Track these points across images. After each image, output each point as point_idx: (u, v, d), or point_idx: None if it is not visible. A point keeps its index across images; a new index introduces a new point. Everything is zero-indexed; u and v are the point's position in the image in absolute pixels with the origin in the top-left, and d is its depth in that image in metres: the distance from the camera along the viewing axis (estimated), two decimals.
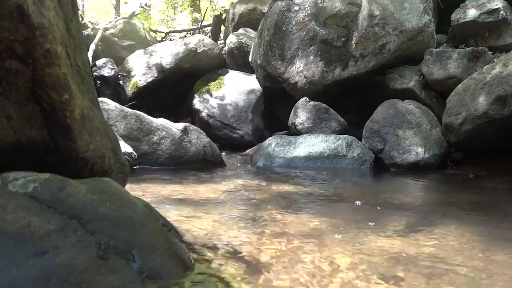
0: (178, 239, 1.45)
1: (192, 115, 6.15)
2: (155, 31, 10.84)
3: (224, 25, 8.58)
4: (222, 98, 5.90)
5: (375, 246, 1.61)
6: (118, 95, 6.35)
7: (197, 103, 5.97)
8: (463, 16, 5.03)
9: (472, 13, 4.99)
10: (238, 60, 6.63)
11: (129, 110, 3.93)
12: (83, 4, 16.54)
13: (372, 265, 1.40)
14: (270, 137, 4.65)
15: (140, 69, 6.50)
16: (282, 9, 5.28)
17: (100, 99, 3.29)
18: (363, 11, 4.93)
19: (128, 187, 1.65)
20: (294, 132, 4.88)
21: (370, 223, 2.00)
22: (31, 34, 1.04)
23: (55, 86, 1.12)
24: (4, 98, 1.10)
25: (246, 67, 6.37)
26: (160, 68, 6.43)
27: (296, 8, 5.21)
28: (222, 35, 8.77)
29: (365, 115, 4.52)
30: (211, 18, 9.40)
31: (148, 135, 3.80)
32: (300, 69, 5.14)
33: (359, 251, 1.54)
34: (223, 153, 4.67)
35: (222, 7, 11.09)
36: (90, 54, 6.81)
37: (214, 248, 1.45)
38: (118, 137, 2.79)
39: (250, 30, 7.15)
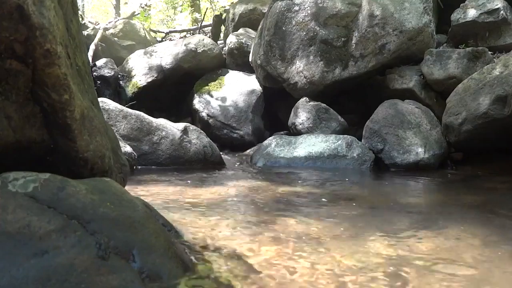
0: (178, 239, 1.45)
1: (192, 115, 6.16)
2: (155, 31, 10.85)
3: (224, 25, 8.59)
4: (222, 98, 5.90)
5: (377, 248, 1.61)
6: (118, 95, 6.35)
7: (197, 103, 5.97)
8: (463, 16, 5.03)
9: (472, 13, 4.98)
10: (238, 60, 6.63)
11: (129, 110, 3.93)
12: (83, 4, 16.54)
13: (373, 267, 1.40)
14: (270, 137, 4.65)
15: (140, 69, 6.50)
16: (282, 9, 5.28)
17: (100, 99, 3.29)
18: (363, 11, 4.93)
19: (128, 187, 1.65)
20: (294, 132, 4.88)
21: (371, 224, 2.00)
22: (31, 34, 1.04)
23: (55, 86, 1.12)
24: (4, 98, 1.10)
25: (246, 67, 6.37)
26: (160, 68, 6.44)
27: (296, 8, 5.21)
28: (222, 35, 8.78)
29: (365, 115, 4.52)
30: (211, 18, 9.40)
31: (148, 135, 3.80)
32: (300, 69, 5.14)
33: (360, 253, 1.54)
34: (223, 153, 4.67)
35: (222, 7, 11.09)
36: (90, 54, 6.81)
37: (214, 249, 1.45)
38: (118, 137, 2.79)
39: (250, 30, 7.15)
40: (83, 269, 0.95)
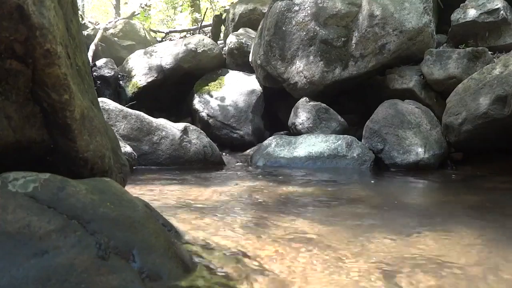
0: (178, 239, 1.45)
1: (192, 115, 6.15)
2: (155, 31, 10.84)
3: (224, 25, 8.59)
4: (222, 98, 5.90)
5: (377, 248, 1.61)
6: (118, 95, 6.35)
7: (197, 103, 5.97)
8: (463, 16, 5.03)
9: (472, 13, 4.98)
10: (238, 60, 6.63)
11: (129, 110, 3.93)
12: (83, 4, 16.54)
13: (375, 265, 1.40)
14: (270, 137, 4.65)
15: (140, 69, 6.50)
16: (282, 9, 5.28)
17: (100, 99, 3.29)
18: (363, 11, 4.93)
19: (128, 187, 1.65)
20: (294, 132, 4.88)
21: (372, 224, 2.00)
22: (31, 34, 1.04)
23: (55, 86, 1.12)
24: (4, 98, 1.10)
25: (246, 67, 6.36)
26: (160, 68, 6.44)
27: (296, 8, 5.21)
28: (222, 35, 8.77)
29: (365, 115, 4.52)
30: (211, 18, 9.40)
31: (148, 135, 3.80)
32: (300, 69, 5.14)
33: (361, 254, 1.53)
34: (223, 153, 4.67)
35: (222, 7, 11.08)
36: (90, 54, 6.81)
37: (214, 249, 1.45)
38: (118, 137, 2.79)
39: (250, 30, 7.15)
40: (83, 269, 0.95)
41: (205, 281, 1.16)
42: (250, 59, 6.09)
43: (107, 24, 8.82)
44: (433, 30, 4.97)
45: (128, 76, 6.54)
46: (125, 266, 1.02)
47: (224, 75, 6.32)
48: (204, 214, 2.03)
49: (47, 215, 1.01)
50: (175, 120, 4.54)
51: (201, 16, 10.70)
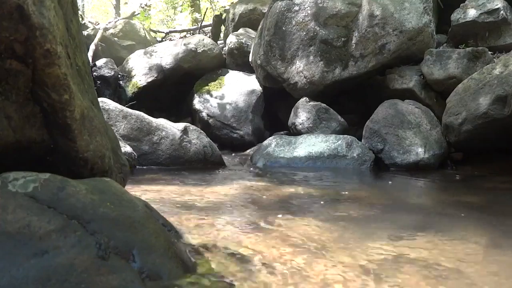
0: (178, 239, 1.45)
1: (192, 115, 6.16)
2: (155, 31, 10.85)
3: (224, 25, 8.59)
4: (222, 98, 5.90)
5: (377, 249, 1.61)
6: (118, 95, 6.35)
7: (197, 103, 5.97)
8: (463, 16, 5.03)
9: (472, 13, 4.98)
10: (238, 60, 6.63)
11: (129, 110, 3.93)
12: (83, 4, 16.53)
13: (376, 269, 1.40)
14: (270, 137, 4.65)
15: (140, 69, 6.50)
16: (282, 9, 5.28)
17: (100, 99, 3.28)
18: (363, 11, 4.93)
19: (128, 187, 1.65)
20: (294, 132, 4.88)
21: (373, 225, 2.00)
22: (31, 34, 1.04)
23: (55, 86, 1.12)
24: (4, 98, 1.10)
25: (246, 67, 6.37)
26: (160, 68, 6.44)
27: (296, 8, 5.21)
28: (222, 35, 8.78)
29: (365, 115, 4.52)
30: (211, 18, 9.40)
31: (148, 135, 3.80)
32: (300, 69, 5.14)
33: (362, 255, 1.54)
34: (223, 153, 4.66)
35: (222, 7, 11.08)
36: (90, 54, 6.81)
37: (214, 249, 1.45)
38: (118, 137, 2.79)
39: (250, 30, 7.15)
40: (83, 269, 0.95)
41: (205, 281, 1.16)
42: (250, 59, 6.10)
43: (107, 24, 8.82)
44: (433, 30, 4.97)
45: (128, 76, 6.54)
46: (125, 266, 1.02)
47: (224, 75, 6.32)
48: (204, 214, 2.03)
49: (47, 215, 1.01)
50: (175, 120, 4.54)
51: (201, 16, 10.70)
